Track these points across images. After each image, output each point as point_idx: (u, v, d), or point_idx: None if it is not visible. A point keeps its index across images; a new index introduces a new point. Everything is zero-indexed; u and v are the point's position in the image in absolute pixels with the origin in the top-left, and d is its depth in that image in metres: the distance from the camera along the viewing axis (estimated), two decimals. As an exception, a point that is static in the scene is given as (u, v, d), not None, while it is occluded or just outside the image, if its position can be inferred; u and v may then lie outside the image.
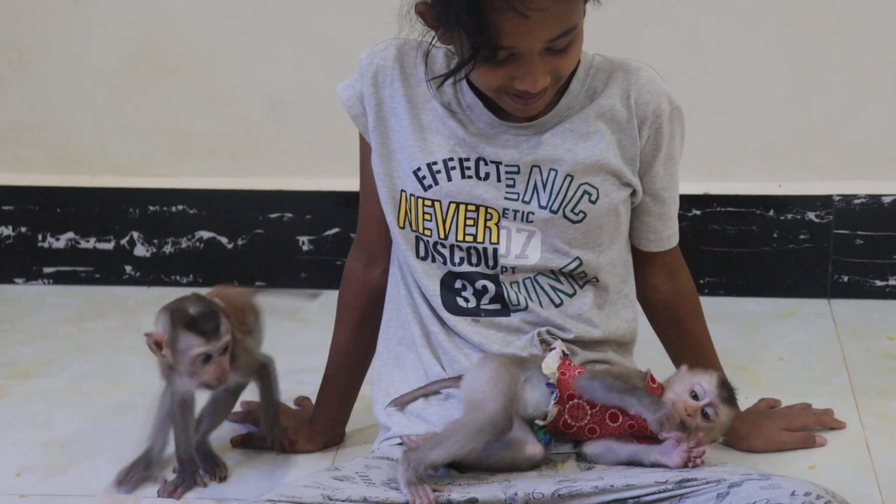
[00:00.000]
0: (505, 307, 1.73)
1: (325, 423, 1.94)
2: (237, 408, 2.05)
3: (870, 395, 2.07)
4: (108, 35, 2.41)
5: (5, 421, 2.06)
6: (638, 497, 1.59)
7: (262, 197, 2.46)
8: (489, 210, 1.70)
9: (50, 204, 2.50)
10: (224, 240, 2.50)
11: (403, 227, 1.74)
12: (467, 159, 1.70)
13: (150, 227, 2.50)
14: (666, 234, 1.79)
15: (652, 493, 1.59)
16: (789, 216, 2.37)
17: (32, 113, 2.47)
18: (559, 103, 1.70)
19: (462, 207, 1.71)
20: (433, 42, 1.66)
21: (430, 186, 1.71)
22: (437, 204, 1.71)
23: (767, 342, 2.22)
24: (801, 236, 2.38)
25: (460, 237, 1.71)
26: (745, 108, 2.36)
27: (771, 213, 2.37)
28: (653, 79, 1.71)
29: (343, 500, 1.58)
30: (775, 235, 2.38)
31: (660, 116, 1.71)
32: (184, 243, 2.51)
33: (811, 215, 2.37)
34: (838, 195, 2.36)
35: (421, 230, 1.73)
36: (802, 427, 1.94)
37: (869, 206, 2.36)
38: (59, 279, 2.54)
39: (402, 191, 1.73)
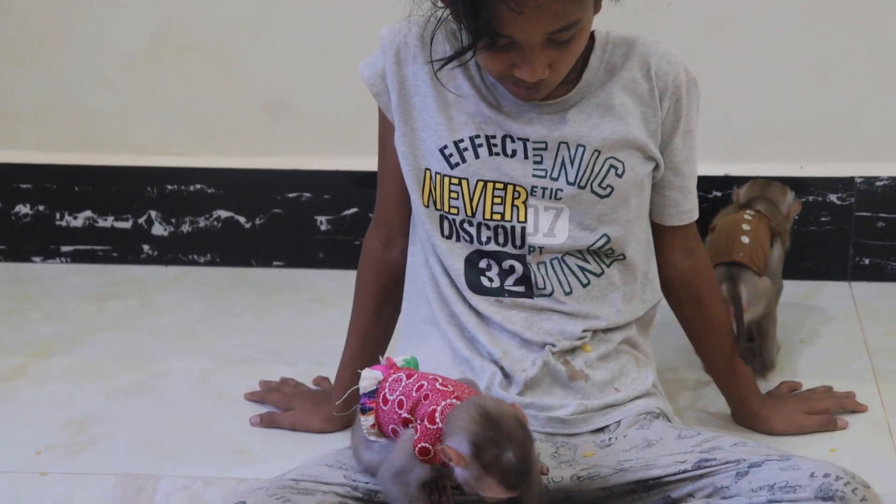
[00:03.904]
0: (529, 289, 1.73)
1: (343, 405, 1.94)
2: (255, 387, 2.05)
3: (891, 377, 2.06)
4: (128, 15, 2.41)
5: (25, 400, 2.06)
6: (658, 478, 1.59)
7: (280, 176, 2.46)
8: (517, 188, 1.70)
9: (68, 183, 2.50)
10: (242, 219, 2.49)
11: (428, 206, 1.74)
12: (493, 136, 1.70)
13: (167, 206, 2.50)
14: (686, 208, 1.79)
15: (671, 475, 1.59)
16: (811, 198, 2.35)
17: (52, 93, 2.47)
18: (580, 80, 1.70)
19: (490, 185, 1.70)
20: (443, 18, 1.65)
21: (457, 164, 1.70)
22: (464, 182, 1.70)
23: (788, 324, 2.21)
24: (823, 218, 2.37)
25: (487, 215, 1.71)
26: (767, 90, 2.34)
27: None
28: (669, 50, 1.72)
29: (366, 483, 1.59)
30: (796, 217, 2.36)
31: (679, 87, 1.71)
32: (202, 222, 2.50)
33: (833, 197, 2.36)
34: (860, 177, 2.35)
35: (447, 209, 1.72)
36: (824, 410, 1.94)
37: (891, 188, 2.35)
38: (76, 258, 2.54)
39: (427, 169, 1.72)
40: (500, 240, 1.72)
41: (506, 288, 1.73)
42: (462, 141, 1.70)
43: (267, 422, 1.96)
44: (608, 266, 1.74)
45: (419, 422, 1.50)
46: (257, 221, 2.49)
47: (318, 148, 2.45)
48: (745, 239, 2.02)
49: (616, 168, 1.70)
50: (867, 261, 2.39)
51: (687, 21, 2.30)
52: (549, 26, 1.55)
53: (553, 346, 1.71)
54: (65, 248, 2.54)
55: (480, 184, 1.70)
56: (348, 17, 2.36)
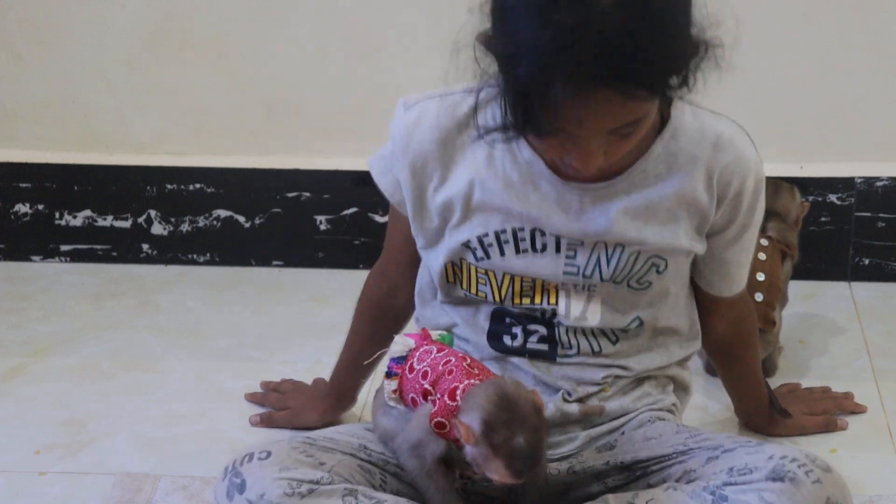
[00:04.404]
0: (553, 350, 1.65)
1: (338, 406, 1.93)
2: (257, 388, 2.05)
3: (891, 378, 2.06)
4: (126, 13, 2.40)
5: (24, 399, 2.06)
6: (643, 461, 1.60)
7: (280, 176, 2.46)
8: (546, 282, 1.61)
9: (67, 182, 2.50)
10: (241, 218, 2.49)
11: (453, 283, 1.66)
12: (521, 229, 1.58)
13: (167, 205, 2.49)
14: (727, 285, 1.68)
15: (655, 457, 1.60)
16: (811, 198, 2.35)
17: (51, 91, 2.47)
18: (634, 165, 1.54)
19: (517, 278, 1.61)
20: (484, 99, 1.48)
21: (482, 258, 1.61)
22: (490, 273, 1.62)
23: (788, 325, 2.20)
24: (823, 219, 2.37)
25: (517, 301, 1.63)
26: (767, 89, 2.34)
27: (792, 194, 2.36)
28: (740, 156, 1.56)
29: (380, 452, 1.59)
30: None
31: (740, 194, 1.58)
32: (201, 222, 2.50)
33: (833, 197, 2.36)
34: (860, 177, 2.35)
35: (474, 292, 1.64)
36: (823, 411, 1.93)
37: (891, 188, 2.35)
38: (76, 257, 2.54)
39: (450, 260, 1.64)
40: (528, 309, 1.64)
41: (528, 347, 1.66)
42: (486, 236, 1.59)
43: (266, 421, 1.96)
44: (640, 325, 1.66)
45: (439, 396, 1.50)
46: (257, 221, 2.49)
47: (317, 147, 2.45)
48: (759, 296, 1.99)
49: (657, 266, 1.60)
50: (867, 261, 2.39)
51: (687, 21, 2.29)
52: (612, 125, 1.40)
53: (569, 394, 1.66)
54: (64, 248, 2.53)
55: (507, 276, 1.61)
56: (348, 14, 2.35)
